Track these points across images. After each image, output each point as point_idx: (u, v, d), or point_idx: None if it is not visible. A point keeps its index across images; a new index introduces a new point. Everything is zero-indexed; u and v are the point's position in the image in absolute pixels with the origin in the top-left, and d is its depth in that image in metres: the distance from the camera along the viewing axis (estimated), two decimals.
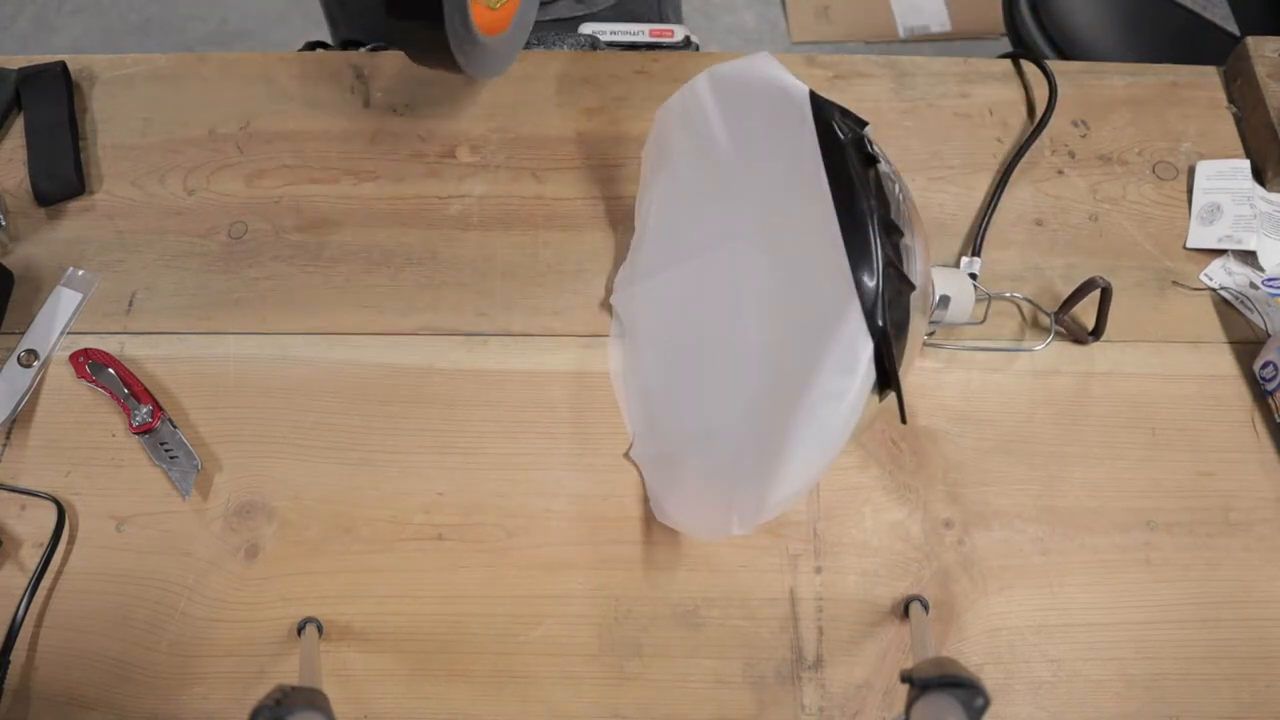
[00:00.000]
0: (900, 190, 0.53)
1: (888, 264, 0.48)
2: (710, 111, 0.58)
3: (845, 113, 0.52)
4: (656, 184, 0.65)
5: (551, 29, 0.81)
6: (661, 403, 0.62)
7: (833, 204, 0.49)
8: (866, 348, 0.48)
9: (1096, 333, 0.64)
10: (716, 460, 0.57)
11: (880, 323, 0.48)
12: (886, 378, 0.48)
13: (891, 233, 0.49)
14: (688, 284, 0.63)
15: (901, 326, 0.50)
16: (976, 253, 0.68)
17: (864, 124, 0.51)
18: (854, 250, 0.48)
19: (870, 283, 0.48)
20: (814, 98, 0.52)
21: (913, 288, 0.50)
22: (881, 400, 0.50)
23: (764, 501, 0.50)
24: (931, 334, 0.65)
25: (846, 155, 0.50)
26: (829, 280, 0.49)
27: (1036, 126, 0.73)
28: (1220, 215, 0.68)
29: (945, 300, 0.62)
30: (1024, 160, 0.72)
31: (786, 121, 0.53)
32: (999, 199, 0.70)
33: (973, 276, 0.66)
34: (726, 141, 0.58)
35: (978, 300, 0.65)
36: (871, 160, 0.51)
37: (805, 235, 0.53)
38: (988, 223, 0.70)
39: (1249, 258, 0.68)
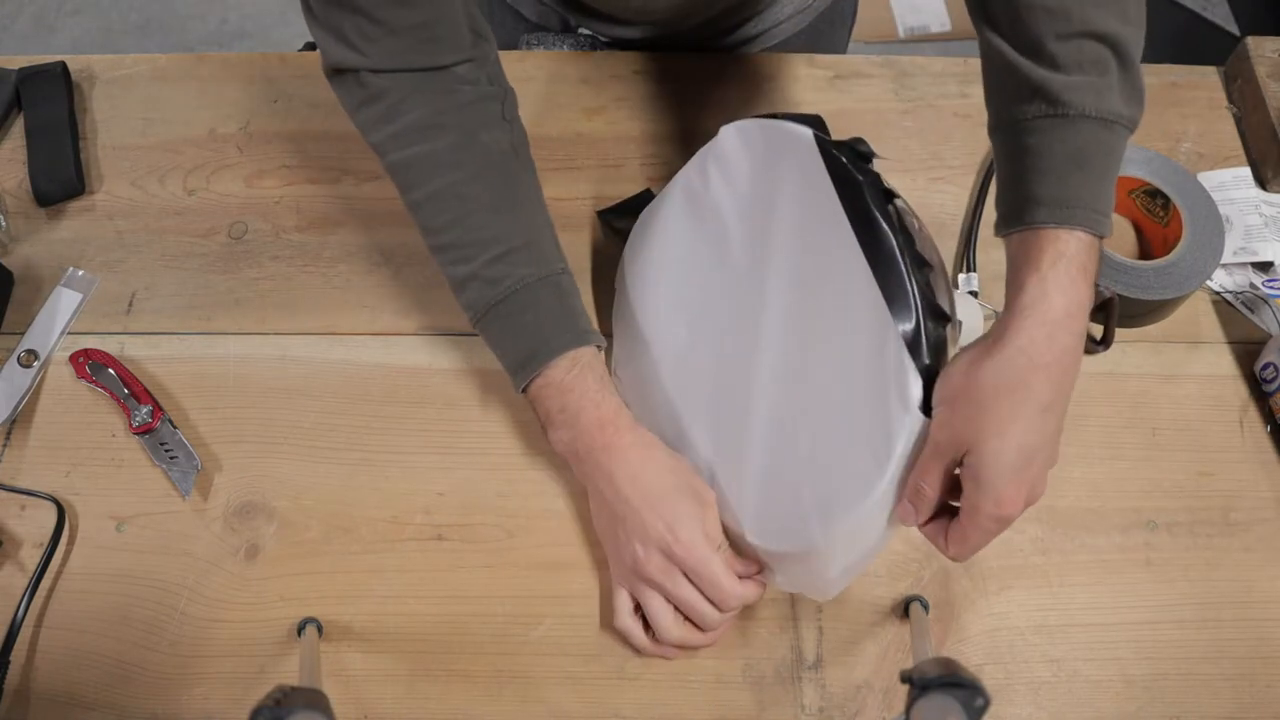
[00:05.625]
0: (916, 223, 0.52)
1: (922, 295, 0.49)
2: (716, 181, 0.58)
3: (842, 144, 0.52)
4: (642, 278, 0.61)
5: (553, 29, 0.80)
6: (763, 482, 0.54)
7: (856, 242, 0.49)
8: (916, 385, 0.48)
9: (1105, 342, 0.63)
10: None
11: (928, 361, 0.48)
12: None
13: (921, 266, 0.49)
14: (713, 355, 0.58)
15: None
16: (971, 267, 0.68)
17: (868, 155, 0.52)
18: (888, 289, 0.49)
19: (909, 322, 0.48)
20: (819, 140, 0.52)
21: (948, 320, 0.50)
22: None
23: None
24: None
25: (864, 193, 0.50)
26: (862, 325, 0.49)
27: None
28: (1231, 227, 0.68)
29: (958, 325, 0.62)
30: None
31: (793, 170, 0.53)
32: (983, 206, 0.70)
33: (974, 294, 0.66)
34: (730, 205, 0.58)
35: (986, 319, 0.64)
36: (890, 195, 0.51)
37: (828, 279, 0.52)
38: (976, 233, 0.69)
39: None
